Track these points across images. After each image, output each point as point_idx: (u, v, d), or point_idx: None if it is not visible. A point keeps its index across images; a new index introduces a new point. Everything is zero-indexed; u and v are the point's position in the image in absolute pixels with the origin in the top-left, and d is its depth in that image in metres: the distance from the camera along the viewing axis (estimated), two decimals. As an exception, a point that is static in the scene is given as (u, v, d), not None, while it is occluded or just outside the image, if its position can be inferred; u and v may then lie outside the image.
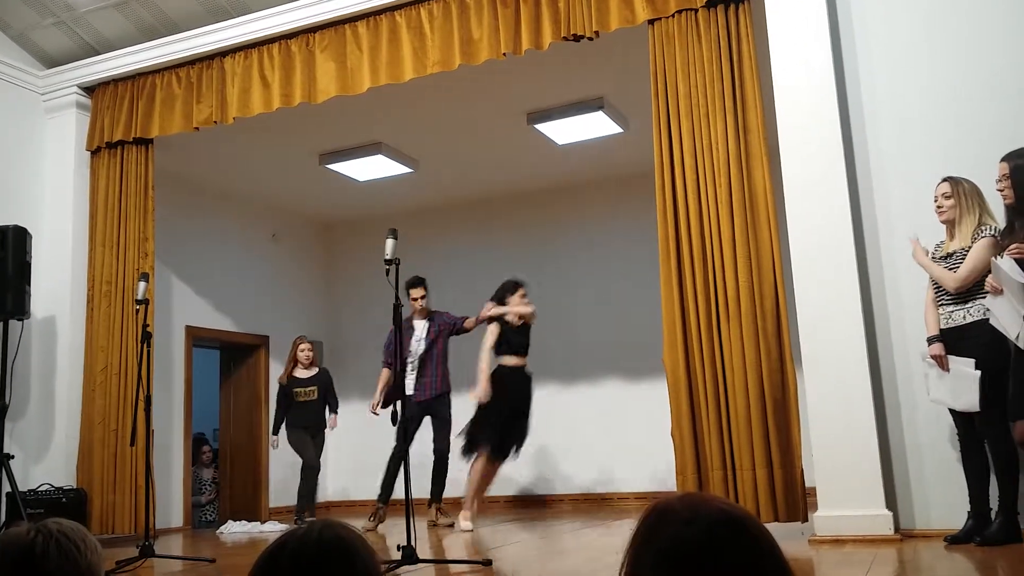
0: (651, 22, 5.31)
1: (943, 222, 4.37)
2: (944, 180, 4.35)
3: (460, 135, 8.06)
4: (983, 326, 4.11)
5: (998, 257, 3.96)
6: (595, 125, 7.62)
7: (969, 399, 4.13)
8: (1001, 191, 4.08)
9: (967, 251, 4.20)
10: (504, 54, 5.66)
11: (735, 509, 1.07)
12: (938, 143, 4.74)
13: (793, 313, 4.80)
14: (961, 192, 4.28)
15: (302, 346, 7.82)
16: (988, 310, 4.05)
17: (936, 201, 4.36)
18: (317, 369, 7.89)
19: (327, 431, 7.79)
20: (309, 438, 7.58)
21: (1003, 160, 4.07)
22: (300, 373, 7.74)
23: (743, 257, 4.89)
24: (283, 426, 7.62)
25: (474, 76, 6.42)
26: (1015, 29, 4.69)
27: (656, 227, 5.18)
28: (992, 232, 4.16)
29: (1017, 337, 3.84)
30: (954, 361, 4.20)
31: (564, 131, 7.76)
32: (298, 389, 7.64)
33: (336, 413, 7.79)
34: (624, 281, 8.81)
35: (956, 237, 4.30)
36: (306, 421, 7.59)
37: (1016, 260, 3.85)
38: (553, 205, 9.46)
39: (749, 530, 1.04)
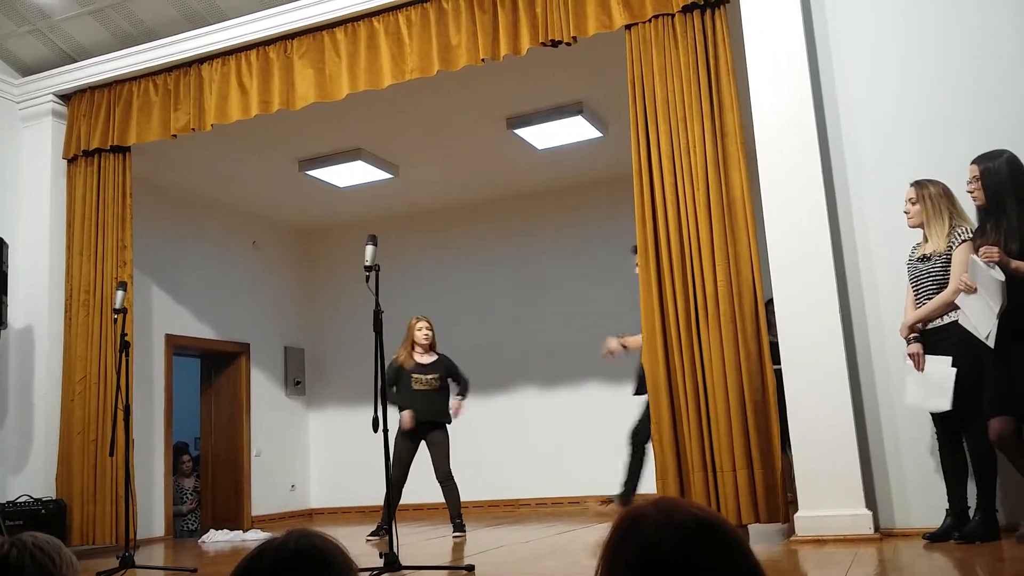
0: (628, 27, 5.34)
1: (911, 227, 4.40)
2: (911, 185, 4.37)
3: (440, 141, 8.06)
4: (959, 327, 4.15)
5: (975, 256, 3.98)
6: (574, 129, 7.65)
7: (940, 400, 4.11)
8: (971, 192, 4.12)
9: (942, 255, 4.22)
10: (483, 60, 5.68)
11: (708, 514, 1.08)
12: (915, 144, 4.78)
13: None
14: (927, 196, 4.29)
15: (419, 324, 6.54)
16: (958, 309, 4.05)
17: (904, 207, 4.40)
18: (437, 355, 6.63)
19: (454, 416, 6.50)
20: (414, 444, 6.38)
21: (973, 163, 4.12)
22: (419, 359, 6.55)
23: (721, 259, 4.92)
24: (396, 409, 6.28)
25: (453, 82, 6.43)
26: (990, 32, 4.74)
27: (635, 230, 5.20)
28: (967, 235, 4.18)
29: (987, 336, 3.87)
30: (930, 361, 4.21)
31: (544, 136, 7.78)
32: (417, 375, 6.43)
33: (464, 396, 6.61)
34: (604, 284, 8.84)
35: (930, 240, 4.32)
36: (420, 416, 6.31)
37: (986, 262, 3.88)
38: (533, 209, 9.47)
39: (721, 535, 1.06)
